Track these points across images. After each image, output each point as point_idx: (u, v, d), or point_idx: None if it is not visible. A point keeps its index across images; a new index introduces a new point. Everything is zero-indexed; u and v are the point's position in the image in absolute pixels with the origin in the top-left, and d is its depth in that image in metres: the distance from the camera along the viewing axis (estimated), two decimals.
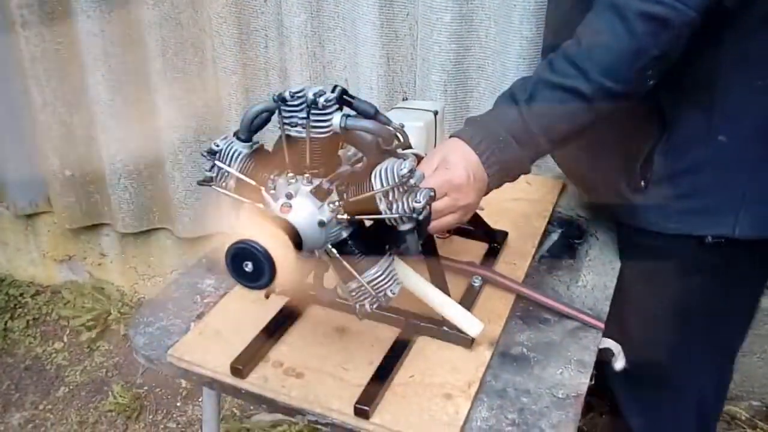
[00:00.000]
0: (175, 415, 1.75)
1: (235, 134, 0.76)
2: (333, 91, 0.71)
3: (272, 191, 0.72)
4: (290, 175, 0.72)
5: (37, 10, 1.65)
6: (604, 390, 1.23)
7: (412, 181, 0.68)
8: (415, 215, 0.69)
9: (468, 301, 0.92)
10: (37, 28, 1.67)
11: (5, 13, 1.67)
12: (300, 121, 0.70)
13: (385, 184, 0.68)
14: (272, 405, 0.83)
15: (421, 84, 1.43)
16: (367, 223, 0.74)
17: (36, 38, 1.68)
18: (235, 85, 1.60)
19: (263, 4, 1.52)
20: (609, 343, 0.92)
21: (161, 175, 1.79)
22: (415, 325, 0.89)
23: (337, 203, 0.71)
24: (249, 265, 0.63)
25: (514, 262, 1.04)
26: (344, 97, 0.73)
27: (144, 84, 1.69)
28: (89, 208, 1.94)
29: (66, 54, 1.71)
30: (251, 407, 1.71)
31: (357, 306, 0.76)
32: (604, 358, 0.93)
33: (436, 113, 0.95)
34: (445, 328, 0.87)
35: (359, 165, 0.74)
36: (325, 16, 1.48)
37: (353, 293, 0.75)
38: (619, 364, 0.93)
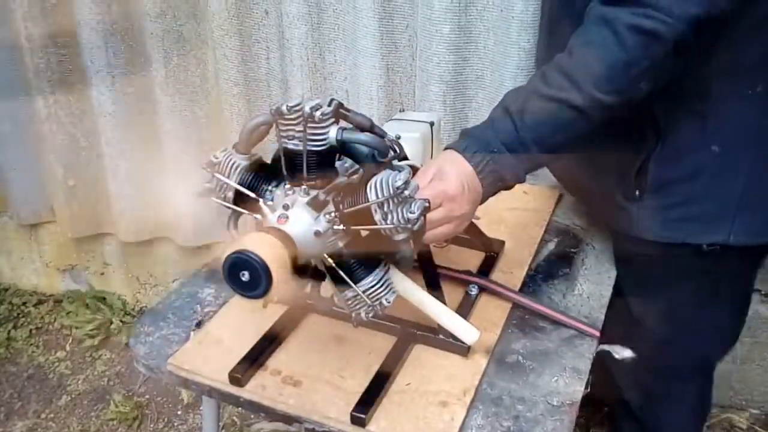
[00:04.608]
0: (176, 424, 1.76)
1: (234, 146, 0.78)
2: (329, 105, 0.73)
3: (270, 202, 0.73)
4: (287, 186, 0.73)
5: (40, 22, 1.67)
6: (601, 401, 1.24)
7: (406, 193, 0.69)
8: (409, 226, 0.70)
9: (464, 309, 0.93)
10: (41, 40, 1.69)
11: (10, 26, 1.69)
12: (297, 134, 0.72)
13: (380, 196, 0.70)
14: (270, 413, 0.84)
15: (420, 94, 1.45)
16: (363, 233, 0.75)
17: (40, 50, 1.70)
18: (236, 96, 1.62)
19: (265, 17, 1.54)
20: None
21: (163, 184, 1.81)
22: (412, 334, 0.90)
23: (333, 214, 0.72)
24: (246, 275, 0.64)
25: (511, 271, 1.05)
26: (340, 110, 0.74)
27: (147, 95, 1.71)
28: (92, 217, 1.95)
29: (69, 66, 1.73)
30: (251, 416, 1.72)
31: (353, 315, 0.77)
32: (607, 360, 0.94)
33: (432, 124, 0.96)
34: (441, 336, 0.88)
35: (355, 176, 0.75)
36: (326, 28, 1.50)
37: (349, 302, 0.76)
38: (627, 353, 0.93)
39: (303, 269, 0.73)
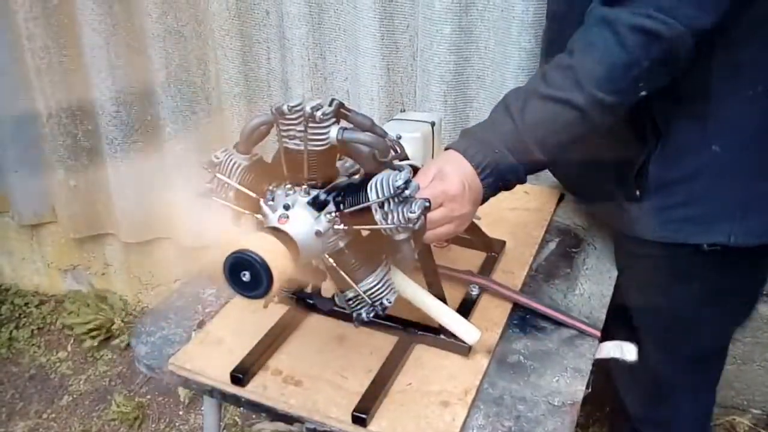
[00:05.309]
0: (177, 424, 1.76)
1: (235, 146, 0.78)
2: (330, 105, 0.73)
3: (271, 202, 0.73)
4: (288, 186, 0.73)
5: (42, 22, 1.67)
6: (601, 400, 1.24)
7: (407, 192, 0.69)
8: (410, 225, 0.70)
9: (465, 309, 0.93)
10: (42, 41, 1.69)
11: (11, 27, 1.70)
12: (298, 134, 0.72)
13: (380, 195, 0.70)
14: (271, 413, 0.84)
15: (421, 95, 1.45)
16: (364, 233, 0.75)
17: (41, 51, 1.70)
18: (237, 96, 1.62)
19: (266, 17, 1.54)
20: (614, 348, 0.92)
21: (165, 185, 1.81)
22: (413, 334, 0.90)
23: (333, 214, 0.72)
24: (246, 275, 0.64)
25: (512, 270, 1.05)
26: (341, 110, 0.74)
27: (148, 96, 1.71)
28: (93, 217, 1.96)
29: (71, 66, 1.73)
30: (252, 416, 1.72)
31: (354, 315, 0.77)
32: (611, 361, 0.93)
33: (433, 124, 0.96)
34: (442, 336, 0.88)
35: (356, 176, 0.75)
36: (327, 29, 1.50)
37: (350, 302, 0.76)
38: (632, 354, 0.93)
39: (304, 269, 0.73)
